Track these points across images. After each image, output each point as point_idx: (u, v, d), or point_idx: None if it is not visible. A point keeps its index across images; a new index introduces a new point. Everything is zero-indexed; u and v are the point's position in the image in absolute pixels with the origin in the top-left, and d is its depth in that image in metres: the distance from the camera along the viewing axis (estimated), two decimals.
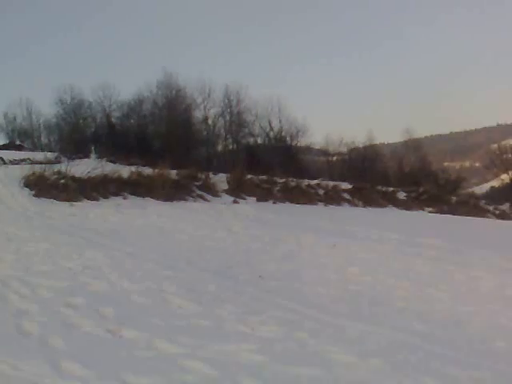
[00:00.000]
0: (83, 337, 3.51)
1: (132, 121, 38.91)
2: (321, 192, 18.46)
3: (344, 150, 36.19)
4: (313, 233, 9.54)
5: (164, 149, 29.55)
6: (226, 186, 17.05)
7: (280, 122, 35.50)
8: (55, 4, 65.13)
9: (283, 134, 35.37)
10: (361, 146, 35.36)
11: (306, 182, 19.08)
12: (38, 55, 68.14)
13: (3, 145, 51.81)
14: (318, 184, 19.24)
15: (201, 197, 15.69)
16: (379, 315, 4.47)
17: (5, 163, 25.11)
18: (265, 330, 3.83)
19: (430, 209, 18.45)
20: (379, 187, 20.22)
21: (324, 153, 37.17)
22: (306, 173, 24.97)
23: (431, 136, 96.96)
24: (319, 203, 17.37)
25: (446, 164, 55.22)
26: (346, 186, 19.71)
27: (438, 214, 17.02)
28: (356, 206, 17.90)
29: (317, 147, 37.31)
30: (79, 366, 2.95)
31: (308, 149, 36.40)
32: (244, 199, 16.10)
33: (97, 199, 13.57)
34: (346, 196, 18.61)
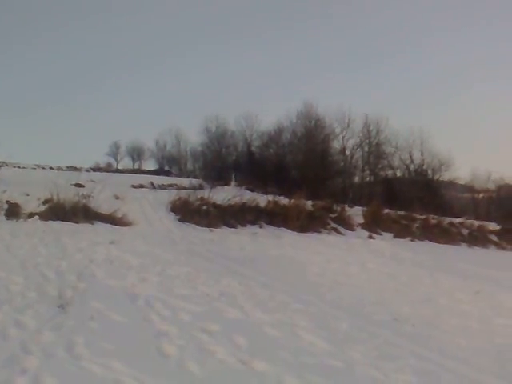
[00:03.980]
0: (217, 364, 3.61)
1: (271, 150, 40.14)
2: (464, 232, 17.50)
3: (492, 186, 33.93)
4: (454, 276, 9.01)
5: (301, 178, 30.00)
6: (361, 220, 16.81)
7: (422, 154, 34.09)
8: (204, 45, 70.12)
9: (424, 167, 33.94)
10: (511, 182, 32.77)
11: (448, 219, 18.22)
12: (189, 86, 73.36)
13: (153, 170, 56.81)
14: (461, 223, 18.26)
15: (335, 230, 15.61)
16: None
17: (154, 187, 27.45)
18: (399, 378, 3.65)
19: None
20: None
21: (469, 189, 34.97)
22: (448, 210, 23.73)
23: None
24: (462, 244, 16.46)
25: None
26: (493, 226, 18.56)
27: None
28: (504, 249, 16.55)
29: (461, 183, 35.33)
30: None
31: (451, 184, 34.52)
32: (380, 235, 15.72)
33: (235, 226, 14.15)
34: (493, 238, 17.39)
